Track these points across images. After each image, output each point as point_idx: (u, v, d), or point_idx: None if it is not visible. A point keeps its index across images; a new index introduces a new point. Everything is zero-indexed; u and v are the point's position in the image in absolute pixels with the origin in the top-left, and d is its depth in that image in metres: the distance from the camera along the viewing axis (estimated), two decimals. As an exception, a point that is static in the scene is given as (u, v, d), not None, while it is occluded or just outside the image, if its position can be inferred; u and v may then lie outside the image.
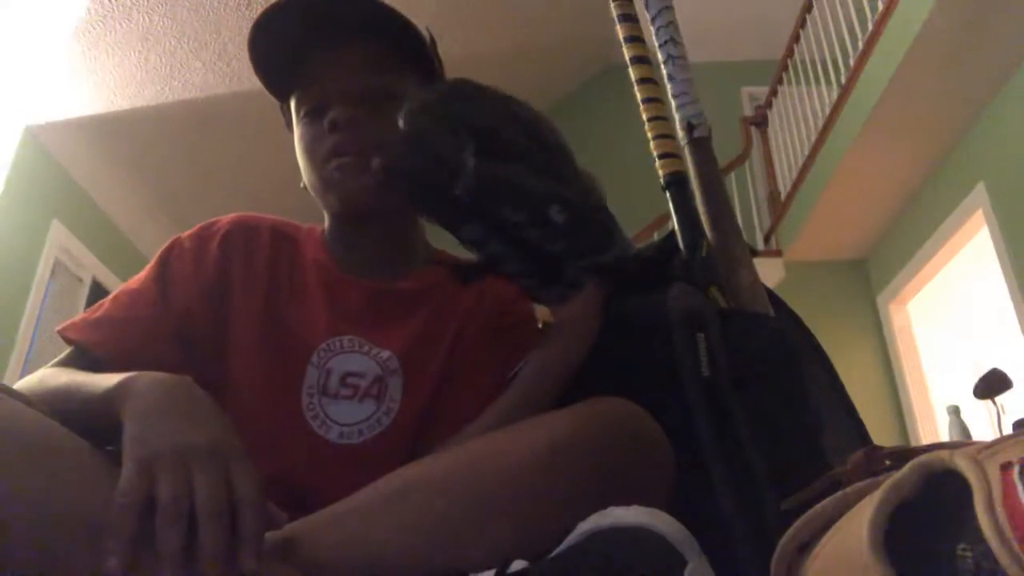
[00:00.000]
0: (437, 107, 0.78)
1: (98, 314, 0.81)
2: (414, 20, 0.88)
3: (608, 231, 0.84)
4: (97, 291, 4.40)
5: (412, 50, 0.89)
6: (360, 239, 0.89)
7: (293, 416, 0.79)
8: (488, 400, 0.82)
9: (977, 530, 0.38)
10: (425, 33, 0.90)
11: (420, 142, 0.77)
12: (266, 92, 0.91)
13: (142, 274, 0.86)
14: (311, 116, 0.86)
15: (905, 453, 0.59)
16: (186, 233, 0.88)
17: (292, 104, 0.89)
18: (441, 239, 0.98)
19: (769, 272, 4.23)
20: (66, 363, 0.78)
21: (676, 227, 1.08)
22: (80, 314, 0.83)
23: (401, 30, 0.87)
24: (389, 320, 0.85)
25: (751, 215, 4.74)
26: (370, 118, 0.84)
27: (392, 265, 0.90)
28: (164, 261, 0.85)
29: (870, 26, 3.55)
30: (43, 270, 3.94)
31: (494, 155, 0.76)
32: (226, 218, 0.90)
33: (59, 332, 0.80)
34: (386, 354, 0.83)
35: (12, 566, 0.47)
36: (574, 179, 0.83)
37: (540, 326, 0.96)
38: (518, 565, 0.55)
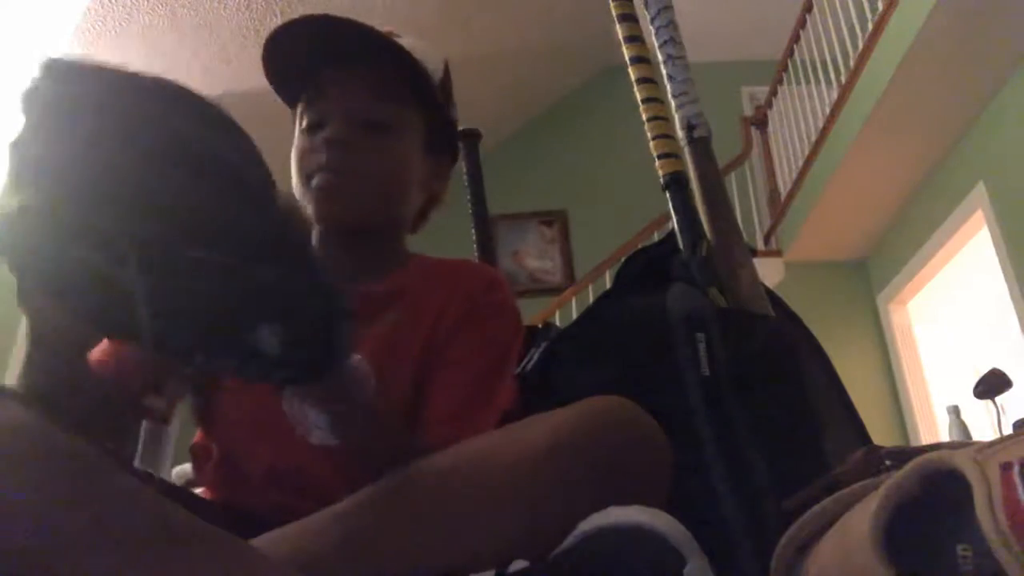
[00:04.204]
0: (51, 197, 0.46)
1: None
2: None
3: (333, 331, 0.53)
4: (97, 291, 4.39)
5: (418, 84, 0.91)
6: (335, 247, 0.90)
7: (277, 415, 0.80)
8: (464, 398, 0.81)
9: (977, 530, 0.38)
10: (438, 67, 0.93)
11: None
12: (266, 93, 0.92)
13: None
14: (309, 129, 0.88)
15: (905, 453, 0.59)
16: None
17: (297, 112, 0.91)
18: (434, 242, 0.98)
19: (769, 272, 4.23)
20: None
21: (676, 227, 1.08)
22: None
23: (407, 63, 0.89)
24: (361, 321, 0.85)
25: (751, 215, 4.74)
26: (363, 145, 0.86)
27: (365, 271, 0.90)
28: None
29: (870, 26, 3.54)
30: (43, 270, 3.94)
31: (165, 257, 0.46)
32: None
33: None
34: (356, 358, 0.83)
35: (13, 567, 0.47)
36: (280, 240, 0.51)
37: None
38: (518, 565, 0.55)
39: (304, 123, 0.89)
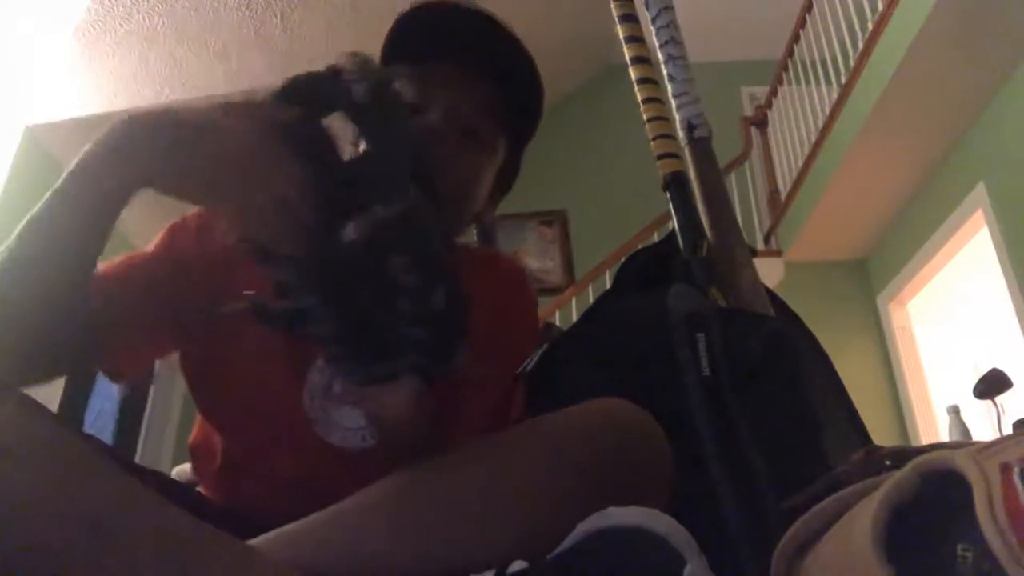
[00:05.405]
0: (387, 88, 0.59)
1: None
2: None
3: (464, 327, 0.59)
4: (97, 291, 4.39)
5: (523, 117, 0.91)
6: None
7: (296, 416, 0.79)
8: (492, 400, 0.81)
9: (977, 530, 0.38)
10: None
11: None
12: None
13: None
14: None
15: (905, 453, 0.59)
16: (191, 216, 0.85)
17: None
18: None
19: (769, 272, 4.23)
20: None
21: (676, 227, 1.08)
22: None
23: (532, 98, 0.89)
24: None
25: (751, 215, 4.74)
26: (456, 149, 0.84)
27: None
28: (171, 230, 0.83)
29: (870, 26, 3.54)
30: (43, 270, 3.94)
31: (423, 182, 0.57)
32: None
33: None
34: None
35: (17, 567, 0.47)
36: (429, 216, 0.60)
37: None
38: (518, 565, 0.55)
39: None
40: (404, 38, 0.87)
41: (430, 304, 0.54)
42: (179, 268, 0.79)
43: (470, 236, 1.48)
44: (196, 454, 0.85)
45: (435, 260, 0.56)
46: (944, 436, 3.75)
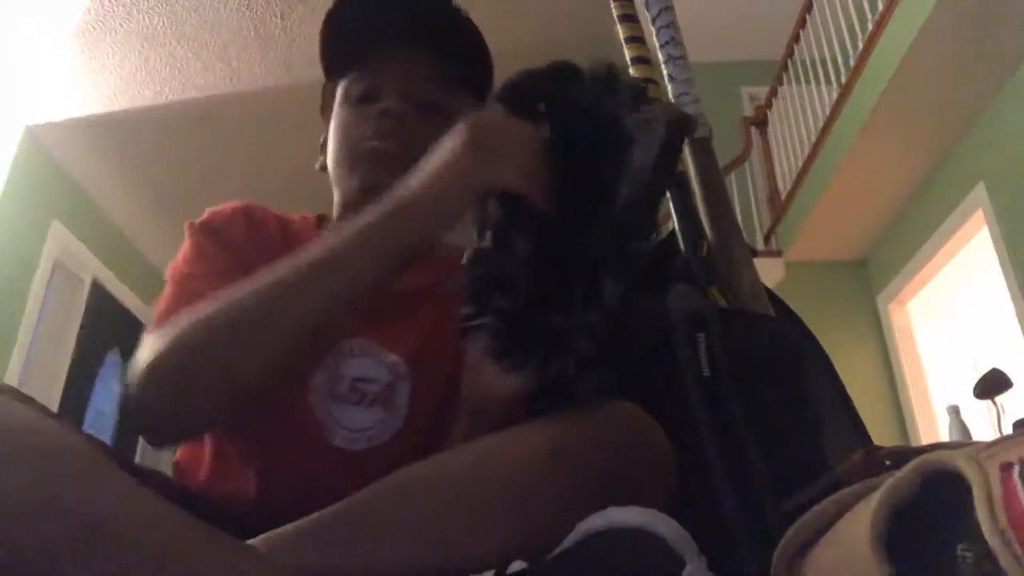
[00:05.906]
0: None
1: (175, 301, 0.74)
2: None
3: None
4: (97, 291, 4.40)
5: (477, 73, 0.90)
6: None
7: (299, 416, 0.78)
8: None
9: (977, 530, 0.38)
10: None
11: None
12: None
13: (186, 257, 0.81)
14: (361, 101, 0.86)
15: (905, 453, 0.59)
16: (211, 212, 0.85)
17: (343, 85, 0.89)
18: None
19: (769, 272, 4.22)
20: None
21: (676, 227, 1.08)
22: (156, 315, 0.74)
23: (477, 52, 0.89)
24: (397, 320, 0.83)
25: (751, 215, 4.74)
26: (417, 122, 0.84)
27: None
28: (212, 233, 0.82)
29: (870, 26, 3.55)
30: (43, 270, 3.94)
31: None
32: (234, 203, 0.87)
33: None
34: (394, 358, 0.81)
35: (15, 568, 0.47)
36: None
37: None
38: (518, 565, 0.55)
39: (355, 95, 0.87)
40: (339, 28, 0.88)
41: (606, 320, 0.59)
42: (239, 260, 0.78)
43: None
44: (181, 470, 0.83)
45: (633, 283, 0.61)
46: (944, 436, 3.75)
